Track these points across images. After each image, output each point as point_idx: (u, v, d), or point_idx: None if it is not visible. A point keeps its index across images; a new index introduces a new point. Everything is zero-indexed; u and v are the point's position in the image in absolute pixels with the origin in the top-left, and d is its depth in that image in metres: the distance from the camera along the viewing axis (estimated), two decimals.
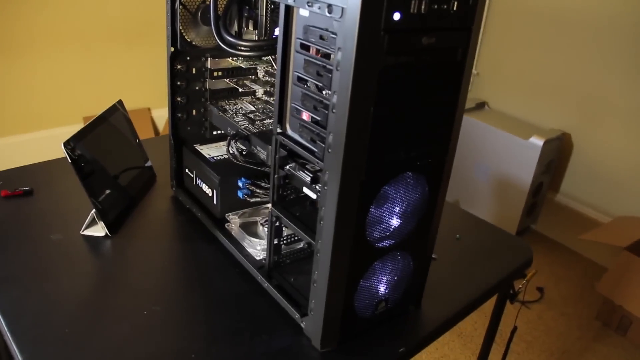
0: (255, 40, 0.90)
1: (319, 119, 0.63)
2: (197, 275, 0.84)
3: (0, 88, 2.08)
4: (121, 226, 0.92)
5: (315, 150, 0.65)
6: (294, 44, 0.66)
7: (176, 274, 0.85)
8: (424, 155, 0.68)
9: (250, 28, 0.97)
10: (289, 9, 0.65)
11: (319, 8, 0.57)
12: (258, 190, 0.91)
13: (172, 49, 0.93)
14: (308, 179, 0.69)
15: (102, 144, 0.94)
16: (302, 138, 0.68)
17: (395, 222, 0.70)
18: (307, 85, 0.65)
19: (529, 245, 1.01)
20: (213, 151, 0.99)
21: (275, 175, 0.74)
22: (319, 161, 0.64)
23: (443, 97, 0.66)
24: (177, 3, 0.90)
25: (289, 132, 0.71)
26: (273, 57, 0.94)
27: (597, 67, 2.06)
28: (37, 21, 2.07)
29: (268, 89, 0.99)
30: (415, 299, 0.81)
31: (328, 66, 0.60)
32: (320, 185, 0.64)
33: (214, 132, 1.05)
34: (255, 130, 0.88)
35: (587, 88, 2.10)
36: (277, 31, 0.89)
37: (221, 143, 1.03)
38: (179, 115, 0.99)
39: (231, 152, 0.88)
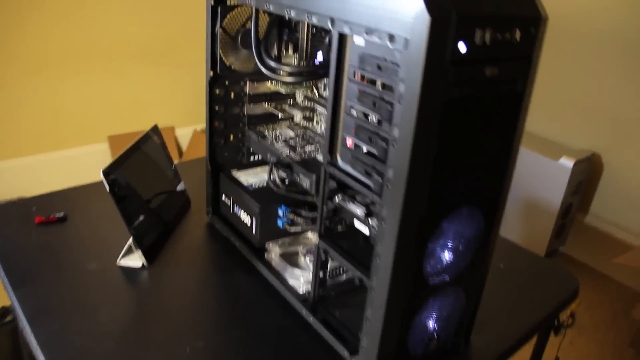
0: (298, 66, 0.89)
1: (375, 151, 0.61)
2: (237, 307, 0.82)
3: (27, 106, 2.09)
4: (158, 255, 0.90)
5: (371, 184, 0.63)
6: (347, 72, 0.64)
7: (216, 306, 0.82)
8: (481, 189, 0.66)
9: (290, 52, 0.95)
10: (342, 37, 0.63)
11: (379, 38, 0.55)
12: (299, 219, 0.89)
13: (212, 73, 0.92)
14: (361, 213, 0.67)
15: (139, 171, 0.93)
16: (354, 170, 0.66)
17: (450, 257, 0.67)
18: (361, 116, 0.63)
19: (573, 274, 0.97)
20: (251, 178, 0.97)
21: (324, 208, 0.72)
22: (375, 196, 0.62)
23: (502, 129, 0.64)
24: (218, 27, 0.89)
25: (340, 163, 0.68)
26: (313, 82, 0.92)
27: (627, 87, 2.02)
28: (64, 41, 2.08)
29: (307, 114, 0.97)
30: (465, 334, 0.78)
31: (388, 98, 0.58)
32: (376, 220, 0.62)
33: (251, 158, 1.03)
34: (297, 158, 0.86)
35: (617, 108, 2.06)
36: (319, 55, 0.88)
37: (259, 169, 1.01)
38: (217, 140, 0.97)
39: (272, 180, 0.86)
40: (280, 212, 0.89)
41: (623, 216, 2.12)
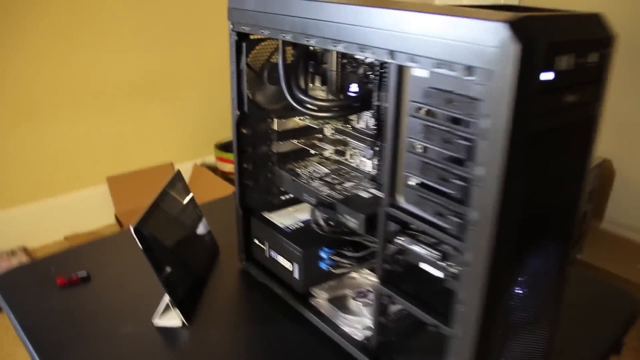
0: (333, 99, 0.85)
1: (450, 191, 0.56)
2: None
3: (19, 153, 2.02)
4: (196, 311, 0.84)
5: (446, 225, 0.58)
6: (407, 107, 0.59)
7: None
8: (558, 218, 0.61)
9: (317, 84, 0.91)
10: (400, 69, 0.58)
11: (451, 70, 0.51)
12: (343, 260, 0.83)
13: (238, 113, 0.87)
14: (435, 256, 0.62)
15: (167, 222, 0.87)
16: (422, 211, 0.61)
17: (532, 293, 0.62)
18: (428, 153, 0.59)
19: (633, 294, 0.93)
20: (285, 219, 0.92)
21: (385, 252, 0.67)
22: (453, 239, 0.57)
23: (577, 156, 0.60)
24: (243, 63, 0.84)
25: (402, 203, 0.64)
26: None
27: (635, 91, 2.01)
28: (53, 82, 2.03)
29: (340, 149, 0.92)
30: None
31: (464, 134, 0.53)
32: (455, 264, 0.57)
33: (282, 197, 0.97)
34: (339, 197, 0.81)
35: (625, 112, 2.05)
36: (353, 87, 0.84)
37: (291, 209, 0.96)
38: (246, 182, 0.92)
39: (315, 222, 0.81)
40: (323, 255, 0.84)
41: (639, 219, 2.10)
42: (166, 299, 0.82)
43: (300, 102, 0.81)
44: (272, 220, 0.92)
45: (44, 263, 0.96)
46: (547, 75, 0.48)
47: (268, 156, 0.93)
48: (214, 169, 2.47)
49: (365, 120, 0.86)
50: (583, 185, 0.63)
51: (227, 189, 2.26)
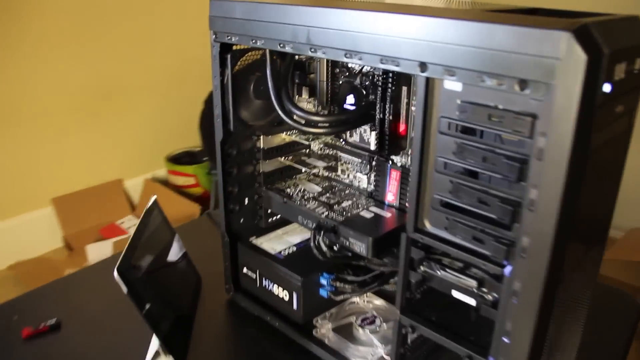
0: (334, 114, 0.79)
1: (492, 215, 0.51)
2: None
3: None
4: (187, 354, 0.76)
5: (487, 252, 0.53)
6: (437, 123, 0.54)
7: None
8: (593, 237, 0.58)
9: (305, 95, 0.84)
10: (428, 81, 0.53)
11: (500, 85, 0.46)
12: (345, 286, 0.77)
13: (223, 132, 0.79)
14: (468, 282, 0.57)
15: (149, 257, 0.78)
16: (455, 236, 0.56)
17: (564, 325, 0.58)
18: (460, 173, 0.53)
19: (631, 296, 0.92)
20: (275, 244, 0.85)
21: (412, 280, 0.61)
22: (494, 265, 0.52)
23: (615, 166, 0.56)
24: (228, 77, 0.76)
25: (429, 228, 0.58)
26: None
27: None
28: None
29: (331, 164, 0.86)
30: None
31: (511, 153, 0.48)
32: (492, 290, 0.52)
33: (269, 220, 0.90)
34: (340, 218, 0.75)
35: None
36: (349, 99, 0.78)
37: (279, 232, 0.89)
38: (232, 207, 0.84)
39: (317, 247, 0.74)
40: (323, 281, 0.77)
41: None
42: (154, 343, 0.73)
43: (293, 117, 0.74)
44: (261, 246, 0.84)
45: (4, 310, 0.84)
46: (607, 87, 0.44)
47: (254, 177, 0.86)
48: (165, 183, 2.35)
49: (360, 133, 0.81)
50: (617, 193, 0.60)
51: (182, 203, 2.15)
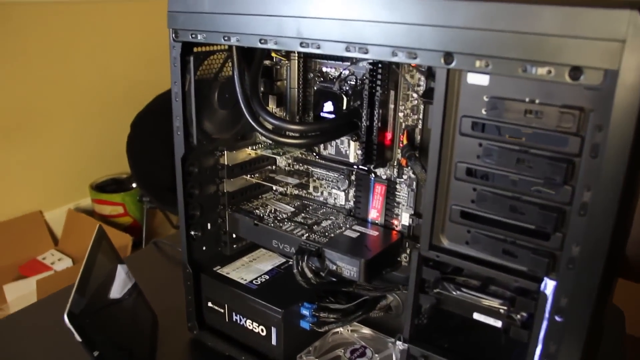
0: (315, 122, 0.71)
1: (530, 226, 0.45)
2: None
3: None
4: None
5: (522, 267, 0.46)
6: (458, 124, 0.47)
7: None
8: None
9: (272, 105, 0.76)
10: (449, 75, 0.46)
11: (549, 72, 0.40)
12: (329, 316, 0.69)
13: (184, 148, 0.68)
14: (495, 303, 0.50)
15: (101, 296, 0.66)
16: (479, 251, 0.49)
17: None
18: (487, 179, 0.47)
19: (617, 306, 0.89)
20: (244, 273, 0.75)
21: (419, 305, 0.54)
22: (528, 281, 0.46)
23: None
24: (190, 83, 0.66)
25: (447, 244, 0.51)
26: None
27: None
28: None
29: (303, 181, 0.78)
30: None
31: (559, 154, 0.42)
32: (522, 310, 0.46)
33: (234, 246, 0.80)
34: (322, 239, 0.67)
35: None
36: (327, 107, 0.70)
37: (246, 259, 0.79)
38: (194, 233, 0.73)
39: (302, 274, 0.65)
40: (305, 312, 0.69)
41: None
42: None
43: (266, 128, 0.65)
44: (229, 276, 0.74)
45: None
46: None
47: (217, 197, 0.76)
48: (91, 213, 2.15)
49: (336, 145, 0.73)
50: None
51: (111, 234, 1.95)
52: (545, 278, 0.45)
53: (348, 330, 0.75)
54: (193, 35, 0.62)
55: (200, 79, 0.67)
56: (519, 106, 0.43)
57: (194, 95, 0.66)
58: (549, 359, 0.46)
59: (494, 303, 0.50)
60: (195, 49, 0.66)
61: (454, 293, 0.53)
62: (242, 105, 0.65)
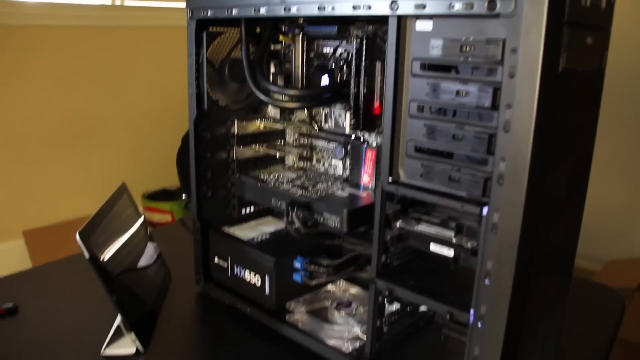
0: (304, 89, 0.78)
1: (465, 151, 0.51)
2: None
3: None
4: (152, 338, 0.71)
5: (461, 192, 0.51)
6: (409, 67, 0.54)
7: None
8: (574, 188, 0.57)
9: (280, 83, 0.85)
10: (400, 25, 0.53)
11: (470, 8, 0.46)
12: (320, 270, 0.74)
13: (197, 112, 0.78)
14: (446, 232, 0.55)
15: (115, 235, 0.75)
16: (429, 182, 0.54)
17: (547, 279, 0.57)
18: (435, 114, 0.53)
19: (618, 291, 0.90)
20: (248, 232, 0.82)
21: (387, 237, 0.60)
22: (469, 205, 0.51)
23: (588, 113, 0.57)
24: (203, 57, 0.76)
25: (404, 178, 0.57)
26: (311, 115, 0.81)
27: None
28: None
29: (305, 154, 0.85)
30: None
31: (486, 79, 0.48)
32: (471, 238, 0.51)
33: (243, 211, 0.88)
34: (314, 197, 0.74)
35: None
36: (323, 80, 0.78)
37: (252, 222, 0.87)
38: (204, 192, 0.82)
39: (291, 222, 0.72)
40: (297, 265, 0.75)
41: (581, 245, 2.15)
42: (117, 323, 0.69)
43: (267, 92, 0.73)
44: (234, 233, 0.82)
45: None
46: (575, 6, 0.45)
47: (227, 164, 0.84)
48: None
49: (335, 119, 0.80)
50: (592, 151, 0.60)
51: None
52: (486, 207, 0.49)
53: (340, 289, 0.81)
54: (204, 13, 0.72)
55: (213, 56, 0.77)
56: (456, 44, 0.49)
57: (206, 68, 0.76)
58: (487, 276, 0.50)
59: (447, 233, 0.55)
60: (210, 29, 0.76)
61: (415, 228, 0.58)
62: (246, 72, 0.74)
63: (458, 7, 0.47)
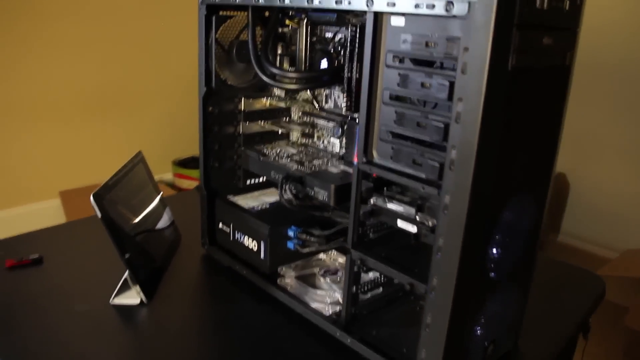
0: (303, 71, 0.84)
1: (426, 137, 0.56)
2: (259, 339, 0.72)
3: None
4: (156, 291, 0.80)
5: (422, 174, 0.57)
6: (383, 58, 0.59)
7: (235, 340, 0.72)
8: (534, 172, 0.62)
9: (286, 65, 0.90)
10: (377, 20, 0.58)
11: (431, 8, 0.51)
12: (311, 239, 0.81)
13: (205, 89, 0.85)
14: (410, 210, 0.61)
15: (128, 199, 0.83)
16: (397, 164, 0.60)
17: (510, 248, 0.61)
18: (404, 102, 0.58)
19: (600, 276, 0.94)
20: (251, 201, 0.89)
21: (360, 212, 0.66)
22: (429, 186, 0.56)
23: (552, 106, 0.61)
24: (212, 38, 0.82)
25: (377, 159, 0.63)
26: (313, 94, 0.87)
27: (587, 106, 2.10)
28: (9, 94, 1.95)
29: (307, 131, 0.91)
30: (515, 338, 0.72)
31: (443, 74, 0.53)
32: (426, 215, 0.56)
33: (247, 182, 0.95)
34: (308, 171, 0.80)
35: (577, 127, 2.13)
36: (322, 63, 0.83)
37: (256, 193, 0.94)
38: (212, 163, 0.89)
39: (285, 196, 0.78)
40: (290, 233, 0.81)
41: (594, 231, 2.16)
42: (125, 276, 0.77)
43: (270, 75, 0.79)
44: (237, 202, 0.89)
45: None
46: (526, 10, 0.49)
47: (234, 137, 0.91)
48: (171, 185, 2.42)
49: (334, 99, 0.86)
50: (558, 143, 0.64)
51: None
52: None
53: (331, 259, 0.87)
54: None
55: (222, 37, 0.83)
56: (422, 39, 0.54)
57: (215, 50, 0.82)
58: (439, 251, 0.56)
59: (411, 211, 0.61)
60: (220, 12, 0.82)
61: (386, 205, 0.64)
62: (251, 55, 0.80)
63: (422, 7, 0.52)
